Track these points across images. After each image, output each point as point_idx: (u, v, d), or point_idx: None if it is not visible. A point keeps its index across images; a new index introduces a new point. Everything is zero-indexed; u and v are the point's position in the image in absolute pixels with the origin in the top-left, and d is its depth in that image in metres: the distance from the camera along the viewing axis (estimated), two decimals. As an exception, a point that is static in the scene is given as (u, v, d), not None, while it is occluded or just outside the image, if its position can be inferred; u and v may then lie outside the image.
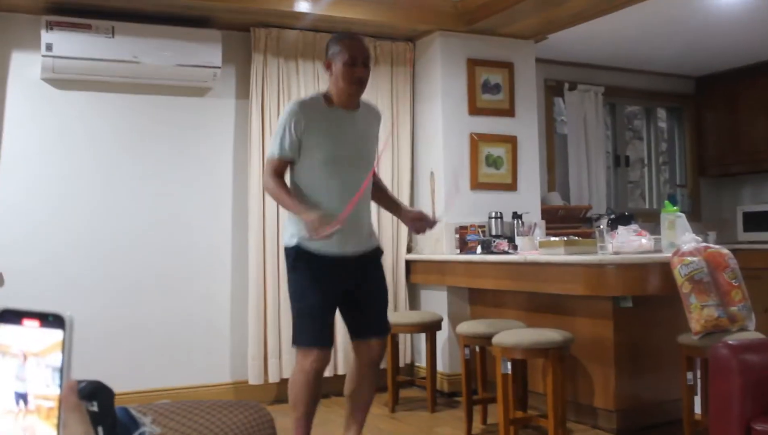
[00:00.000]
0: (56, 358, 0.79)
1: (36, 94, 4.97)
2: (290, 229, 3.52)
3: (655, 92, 7.66)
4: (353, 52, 3.42)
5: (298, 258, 3.48)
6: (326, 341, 3.52)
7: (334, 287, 3.50)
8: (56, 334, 0.79)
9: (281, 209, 5.32)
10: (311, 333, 3.48)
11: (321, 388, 3.60)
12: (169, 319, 5.22)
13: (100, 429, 1.40)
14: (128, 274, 5.13)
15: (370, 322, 3.61)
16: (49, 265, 4.90)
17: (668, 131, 8.14)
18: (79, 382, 1.46)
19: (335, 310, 3.60)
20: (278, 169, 3.48)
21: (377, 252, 3.66)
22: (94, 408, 1.42)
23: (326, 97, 3.52)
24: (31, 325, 0.79)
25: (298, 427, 3.54)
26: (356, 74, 3.43)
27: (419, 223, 3.71)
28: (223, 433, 1.51)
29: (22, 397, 0.79)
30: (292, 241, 3.48)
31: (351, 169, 3.49)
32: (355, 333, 3.63)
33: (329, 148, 3.44)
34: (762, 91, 7.12)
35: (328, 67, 3.50)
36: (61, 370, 0.79)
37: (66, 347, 0.79)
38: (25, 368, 0.79)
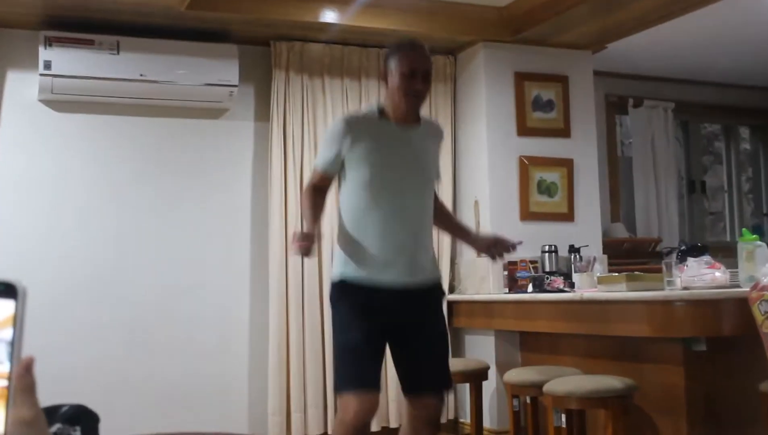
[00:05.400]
0: (7, 333, 0.82)
1: (33, 117, 5.13)
2: (336, 263, 3.53)
3: (735, 108, 7.62)
4: (413, 64, 3.43)
5: (342, 292, 3.47)
6: (371, 383, 3.40)
7: (382, 323, 3.42)
8: (7, 307, 0.82)
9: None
10: (353, 374, 3.38)
11: None
12: (179, 366, 5.30)
13: (80, 456, 1.47)
14: (135, 313, 5.24)
15: (427, 374, 3.47)
16: (51, 309, 4.96)
17: (752, 153, 8.08)
18: (62, 405, 1.54)
19: (383, 350, 3.50)
20: (318, 183, 3.56)
21: (437, 290, 3.62)
22: (77, 433, 1.50)
23: (381, 111, 3.55)
24: None
25: None
26: (413, 87, 3.43)
27: (496, 248, 3.72)
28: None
29: None
30: (337, 276, 3.49)
31: (402, 190, 3.49)
32: (408, 387, 3.51)
33: (376, 166, 3.45)
34: None
35: (384, 78, 3.53)
36: (12, 345, 0.82)
37: (18, 320, 0.82)
38: None
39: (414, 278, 3.47)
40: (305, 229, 3.43)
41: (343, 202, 3.54)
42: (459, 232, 3.96)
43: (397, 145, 3.51)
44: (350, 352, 3.41)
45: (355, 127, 3.48)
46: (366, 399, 3.35)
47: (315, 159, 3.64)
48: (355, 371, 3.39)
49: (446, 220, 3.88)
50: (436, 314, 3.60)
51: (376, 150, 3.47)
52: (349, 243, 3.48)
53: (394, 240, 3.43)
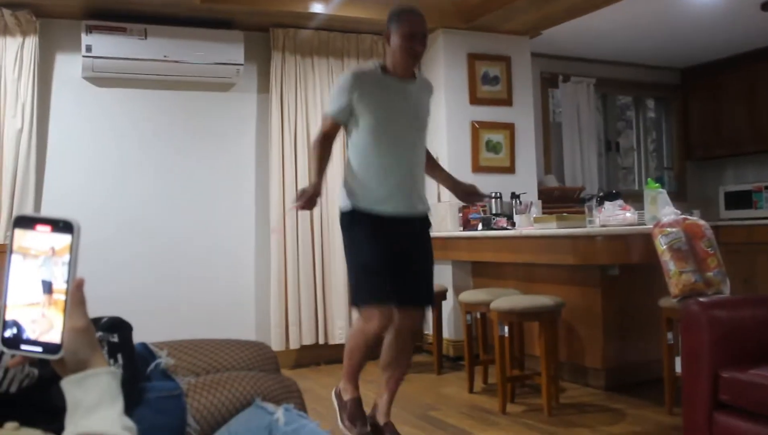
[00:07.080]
0: (67, 259, 0.85)
1: (78, 91, 5.08)
2: (345, 195, 3.39)
3: (643, 83, 7.65)
4: (414, 27, 3.28)
5: (352, 219, 3.33)
6: (387, 298, 3.24)
7: (388, 246, 3.27)
8: (66, 238, 0.86)
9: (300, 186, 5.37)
10: (371, 289, 3.23)
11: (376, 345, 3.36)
12: (199, 291, 5.32)
13: (119, 356, 1.47)
14: (163, 250, 5.25)
15: (416, 290, 3.37)
16: (95, 246, 4.93)
17: (656, 120, 8.12)
18: (102, 317, 1.53)
19: (392, 269, 3.28)
20: (329, 130, 3.37)
21: (427, 220, 3.47)
22: (115, 339, 1.50)
23: (383, 67, 3.38)
24: (43, 229, 0.86)
25: (350, 373, 3.38)
26: (414, 47, 3.28)
27: (471, 196, 3.62)
28: (231, 366, 1.57)
29: (48, 286, 0.86)
30: (347, 206, 3.35)
31: (401, 135, 3.35)
32: (399, 300, 3.30)
33: (381, 114, 3.31)
34: (743, 80, 7.10)
35: (387, 38, 3.34)
36: (70, 268, 0.86)
37: (74, 249, 0.86)
38: (50, 262, 0.86)
39: (410, 210, 3.37)
40: (312, 182, 3.29)
41: (352, 145, 3.37)
42: (445, 179, 3.69)
43: (398, 97, 3.35)
44: (368, 270, 3.25)
45: (362, 79, 3.31)
46: (386, 311, 3.23)
47: (326, 108, 3.41)
48: (373, 285, 3.24)
49: (436, 168, 3.67)
50: (427, 242, 3.46)
51: (381, 100, 3.31)
52: (357, 179, 3.34)
53: (395, 177, 3.31)
